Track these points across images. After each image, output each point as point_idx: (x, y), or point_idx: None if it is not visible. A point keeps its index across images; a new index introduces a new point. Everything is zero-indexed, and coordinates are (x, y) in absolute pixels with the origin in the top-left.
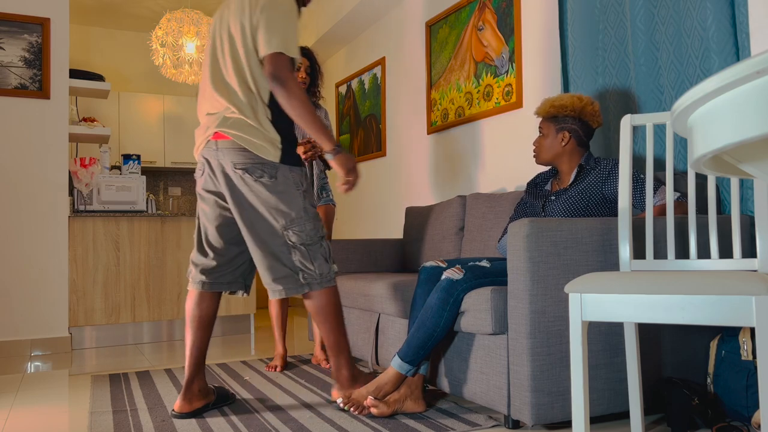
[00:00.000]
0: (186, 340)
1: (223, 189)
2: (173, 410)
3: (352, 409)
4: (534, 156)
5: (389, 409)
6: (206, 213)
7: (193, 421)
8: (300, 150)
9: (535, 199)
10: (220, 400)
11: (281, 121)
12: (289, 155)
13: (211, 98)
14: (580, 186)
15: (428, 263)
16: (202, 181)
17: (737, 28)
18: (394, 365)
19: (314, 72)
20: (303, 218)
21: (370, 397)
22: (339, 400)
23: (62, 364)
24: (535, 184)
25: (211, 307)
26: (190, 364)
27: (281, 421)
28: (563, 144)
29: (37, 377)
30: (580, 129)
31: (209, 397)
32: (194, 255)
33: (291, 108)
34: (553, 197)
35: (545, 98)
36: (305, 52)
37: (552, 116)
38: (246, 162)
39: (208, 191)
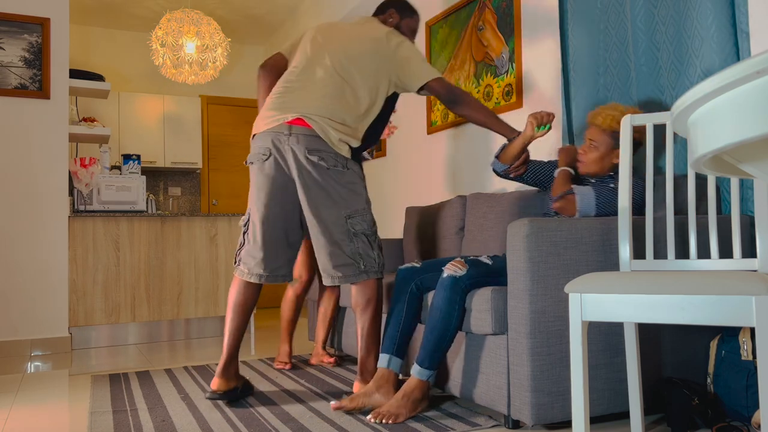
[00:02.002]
0: (227, 324)
1: (294, 175)
2: (210, 390)
3: (384, 420)
4: (579, 164)
5: (352, 404)
6: (268, 206)
7: (193, 421)
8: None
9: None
10: (247, 390)
11: (370, 135)
12: (354, 154)
13: (310, 90)
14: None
15: (404, 266)
16: (266, 167)
17: (737, 28)
18: (414, 373)
19: None
20: (366, 209)
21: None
22: (369, 417)
23: (62, 364)
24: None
25: (254, 295)
26: (230, 347)
27: (281, 421)
28: (615, 161)
29: (37, 377)
30: (635, 149)
31: (239, 381)
32: (252, 249)
33: (476, 111)
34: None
35: (604, 108)
36: None
37: (613, 131)
38: (321, 149)
39: (272, 178)
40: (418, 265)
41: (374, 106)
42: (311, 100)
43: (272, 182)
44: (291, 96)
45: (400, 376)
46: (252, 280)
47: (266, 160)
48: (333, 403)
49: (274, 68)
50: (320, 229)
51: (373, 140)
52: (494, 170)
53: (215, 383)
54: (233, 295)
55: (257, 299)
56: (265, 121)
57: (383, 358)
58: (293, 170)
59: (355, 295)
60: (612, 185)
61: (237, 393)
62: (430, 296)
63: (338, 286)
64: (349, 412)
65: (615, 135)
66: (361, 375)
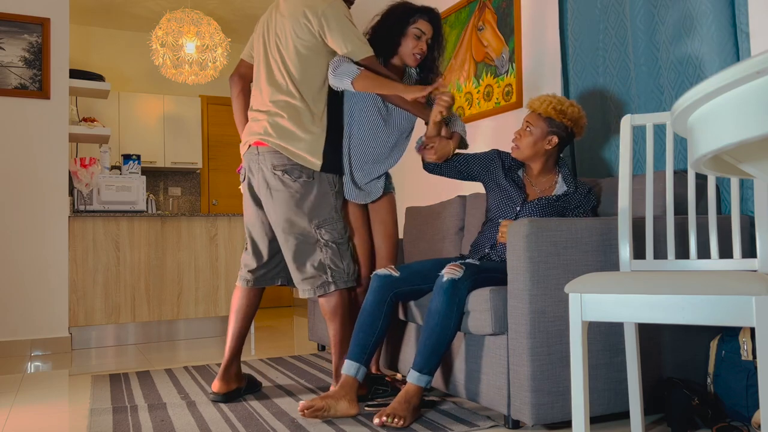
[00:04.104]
0: (229, 327)
1: (262, 191)
2: (211, 391)
3: (393, 421)
4: (513, 148)
5: (322, 402)
6: (250, 215)
7: (192, 421)
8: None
9: (513, 188)
10: (251, 387)
11: (332, 130)
12: (329, 163)
13: (263, 98)
14: (562, 202)
15: (380, 271)
16: (245, 184)
17: (737, 28)
18: (412, 380)
19: (436, 44)
20: (335, 218)
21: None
22: (375, 421)
23: (62, 364)
24: (509, 167)
25: (255, 299)
26: (231, 349)
27: (280, 420)
28: (547, 147)
29: (37, 377)
30: (567, 138)
31: (242, 382)
32: (243, 255)
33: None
34: (534, 201)
35: (545, 95)
36: (432, 16)
37: (548, 117)
38: (285, 164)
39: (251, 197)
40: (396, 274)
41: (321, 91)
42: (265, 121)
43: (252, 200)
44: (252, 117)
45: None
46: (239, 284)
47: (243, 179)
48: (303, 402)
49: (241, 78)
50: (288, 242)
51: (338, 139)
52: (423, 163)
53: (215, 385)
54: (234, 299)
55: (258, 304)
56: (243, 146)
57: (351, 366)
58: (262, 188)
59: (321, 304)
60: (584, 208)
61: (239, 393)
62: (416, 307)
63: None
64: (315, 414)
65: (551, 121)
66: (337, 379)
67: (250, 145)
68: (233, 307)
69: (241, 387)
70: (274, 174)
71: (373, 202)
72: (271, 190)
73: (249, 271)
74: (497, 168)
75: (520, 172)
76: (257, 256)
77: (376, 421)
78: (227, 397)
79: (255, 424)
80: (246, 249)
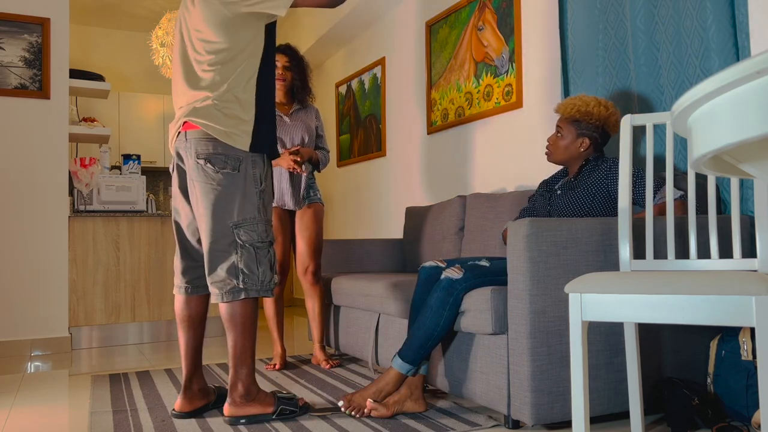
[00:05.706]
0: (179, 341)
1: (189, 183)
2: (174, 410)
3: (353, 413)
4: (546, 153)
5: (389, 411)
6: (179, 213)
7: (193, 421)
8: (286, 160)
9: (543, 195)
10: (221, 400)
11: (262, 101)
12: (260, 142)
13: (183, 90)
14: (585, 183)
15: (428, 263)
16: (175, 176)
17: (737, 28)
18: (395, 365)
19: (297, 67)
20: (256, 218)
21: (369, 399)
22: (340, 404)
23: (62, 364)
24: (547, 182)
25: (199, 307)
26: (187, 365)
27: (281, 420)
28: (581, 150)
29: (37, 377)
30: (600, 137)
31: (209, 396)
32: (175, 259)
33: None
34: (558, 192)
35: (570, 97)
36: (281, 49)
37: (575, 120)
38: (210, 152)
39: (180, 188)
40: (443, 265)
41: (249, 80)
42: (191, 98)
43: (181, 192)
44: (178, 100)
45: (428, 387)
46: (175, 293)
47: (173, 170)
48: (370, 402)
49: None
50: (205, 239)
51: (271, 113)
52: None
53: (177, 403)
54: (175, 309)
55: (205, 312)
56: (170, 136)
57: (411, 368)
58: (188, 179)
59: (223, 310)
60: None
61: (207, 409)
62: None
63: (319, 283)
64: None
65: (578, 124)
66: (231, 398)
67: (179, 133)
68: (177, 317)
69: (208, 402)
70: (197, 163)
71: (300, 209)
72: (193, 182)
73: (181, 276)
74: (537, 192)
75: (561, 182)
76: (186, 258)
77: (341, 403)
78: (191, 415)
79: (255, 423)
80: (177, 251)
